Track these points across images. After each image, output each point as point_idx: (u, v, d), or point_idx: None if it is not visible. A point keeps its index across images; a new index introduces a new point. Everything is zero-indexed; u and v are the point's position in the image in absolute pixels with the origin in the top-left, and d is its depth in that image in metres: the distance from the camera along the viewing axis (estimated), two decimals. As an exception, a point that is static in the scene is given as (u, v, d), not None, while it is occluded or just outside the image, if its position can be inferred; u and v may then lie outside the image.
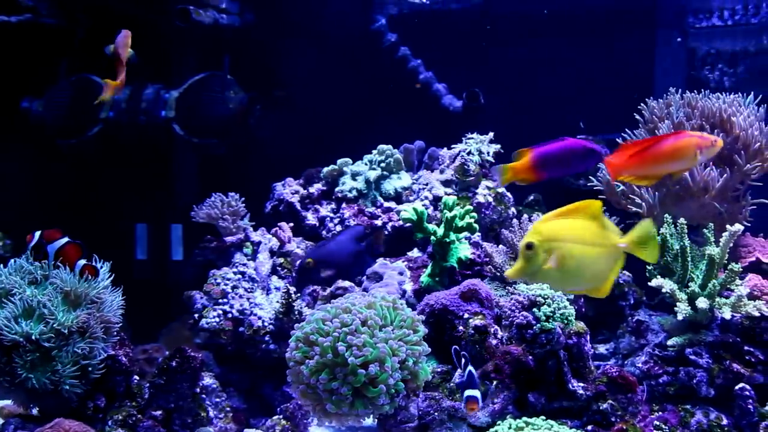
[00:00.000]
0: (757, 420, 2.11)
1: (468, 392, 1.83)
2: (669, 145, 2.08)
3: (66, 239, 2.18)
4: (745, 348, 2.36)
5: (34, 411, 2.15)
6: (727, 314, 2.30)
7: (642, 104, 2.93)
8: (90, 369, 2.07)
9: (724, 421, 2.23)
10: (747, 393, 2.13)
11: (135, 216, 3.80)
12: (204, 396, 2.40)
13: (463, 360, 1.91)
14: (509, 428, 1.93)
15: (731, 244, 2.40)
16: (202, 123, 3.51)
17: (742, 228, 2.40)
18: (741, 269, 2.37)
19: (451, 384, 2.13)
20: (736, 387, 2.16)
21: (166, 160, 3.72)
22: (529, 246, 1.56)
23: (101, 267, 2.21)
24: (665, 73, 3.50)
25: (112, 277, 2.21)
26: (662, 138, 2.11)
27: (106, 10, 3.62)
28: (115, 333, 2.18)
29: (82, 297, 2.09)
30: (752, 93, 2.77)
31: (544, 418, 1.96)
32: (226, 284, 2.83)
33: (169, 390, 2.22)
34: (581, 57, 3.61)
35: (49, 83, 3.59)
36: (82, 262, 2.15)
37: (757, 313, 2.31)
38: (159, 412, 2.19)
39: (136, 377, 2.28)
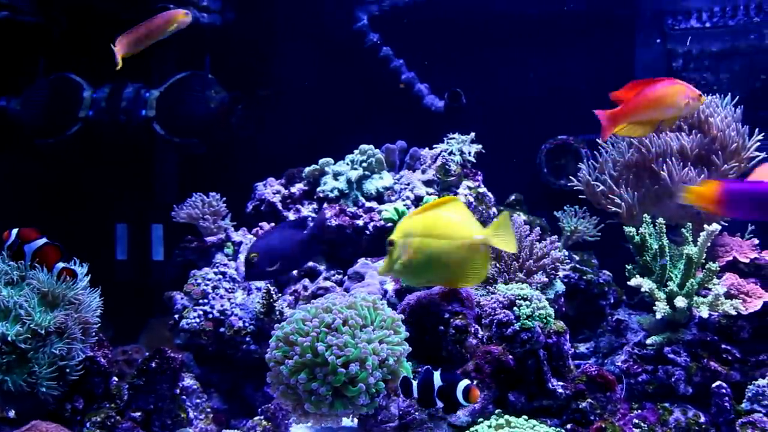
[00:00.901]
0: (734, 417, 2.13)
1: (461, 384, 1.75)
2: (662, 88, 2.20)
3: (44, 240, 2.15)
4: (723, 346, 2.39)
5: (11, 413, 2.12)
6: (704, 313, 2.33)
7: (622, 105, 2.96)
8: (68, 370, 2.04)
9: (702, 419, 2.25)
10: (724, 391, 2.15)
11: (115, 216, 3.77)
12: (184, 397, 2.38)
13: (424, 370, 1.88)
14: (489, 427, 1.94)
15: (709, 244, 2.43)
16: (182, 122, 3.49)
17: (719, 228, 2.43)
18: (718, 268, 2.39)
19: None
20: (713, 385, 2.18)
21: (146, 160, 3.69)
22: (390, 243, 1.63)
23: (80, 269, 2.19)
24: (645, 74, 3.53)
25: (89, 277, 2.19)
26: (656, 81, 2.22)
27: (85, 8, 3.59)
28: (94, 334, 2.15)
29: (60, 298, 2.07)
30: (729, 94, 2.80)
31: (526, 417, 1.97)
32: (206, 284, 2.81)
33: (149, 391, 2.20)
34: (562, 58, 3.64)
35: (27, 82, 3.55)
36: (61, 264, 2.12)
37: (734, 312, 2.33)
38: (138, 414, 2.17)
39: (115, 378, 2.26)
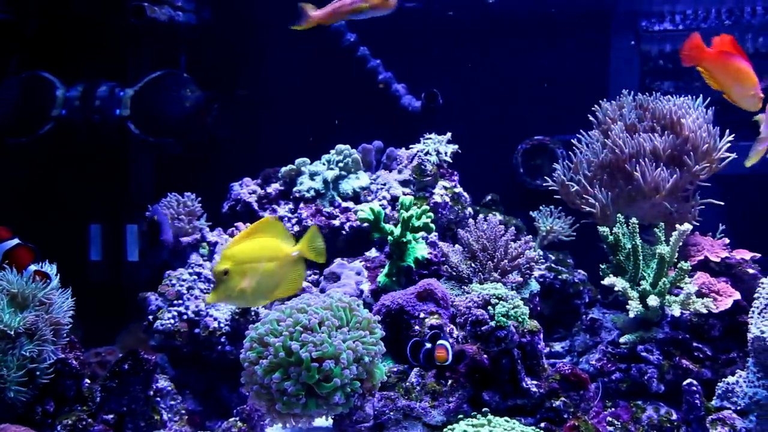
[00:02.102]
0: (704, 414, 2.16)
1: (440, 342, 1.92)
2: (745, 68, 2.31)
3: (17, 241, 2.12)
4: (694, 344, 2.43)
5: (-20, 417, 2.09)
6: (676, 311, 2.36)
7: (596, 105, 2.98)
8: (38, 373, 2.01)
9: (674, 416, 2.28)
10: (694, 388, 2.17)
11: (89, 216, 3.72)
12: (158, 399, 2.35)
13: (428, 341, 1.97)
14: (469, 426, 1.95)
15: (681, 243, 2.46)
16: (157, 122, 3.45)
17: (691, 227, 2.46)
18: (690, 267, 2.43)
19: (407, 383, 2.13)
20: (684, 383, 2.20)
21: (120, 160, 3.65)
22: (225, 272, 1.81)
23: (50, 268, 2.15)
24: (619, 76, 3.57)
25: (62, 278, 2.16)
26: (745, 57, 2.32)
27: (59, 5, 3.55)
28: (65, 335, 2.12)
29: (30, 299, 2.04)
30: (701, 96, 2.84)
31: (507, 419, 1.99)
32: (181, 285, 2.79)
33: (122, 393, 2.17)
34: (538, 59, 3.66)
35: (-2, 80, 3.50)
36: (33, 267, 2.09)
37: (705, 310, 2.37)
38: (111, 416, 2.14)
39: (88, 381, 2.23)
